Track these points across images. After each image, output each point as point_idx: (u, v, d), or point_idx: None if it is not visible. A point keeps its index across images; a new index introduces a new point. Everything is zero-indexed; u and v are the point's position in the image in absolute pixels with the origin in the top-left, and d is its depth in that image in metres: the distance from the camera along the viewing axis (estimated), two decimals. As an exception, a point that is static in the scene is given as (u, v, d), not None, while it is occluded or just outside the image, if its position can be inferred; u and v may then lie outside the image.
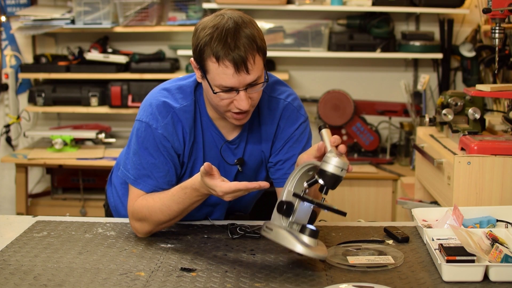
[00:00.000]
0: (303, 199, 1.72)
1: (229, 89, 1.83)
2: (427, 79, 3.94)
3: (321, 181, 1.68)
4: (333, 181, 1.68)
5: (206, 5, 4.10)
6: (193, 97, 1.97)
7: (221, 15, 1.83)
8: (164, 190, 1.95)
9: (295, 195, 1.73)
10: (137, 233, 1.97)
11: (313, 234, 1.68)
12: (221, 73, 1.80)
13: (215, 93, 1.84)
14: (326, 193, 1.71)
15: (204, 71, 1.85)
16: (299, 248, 1.65)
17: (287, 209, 1.72)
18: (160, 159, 1.95)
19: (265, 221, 1.76)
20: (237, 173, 2.05)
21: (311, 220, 1.76)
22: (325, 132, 1.77)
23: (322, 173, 1.68)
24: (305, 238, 1.67)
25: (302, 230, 1.69)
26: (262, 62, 1.85)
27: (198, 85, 1.99)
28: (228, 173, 2.04)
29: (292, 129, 2.02)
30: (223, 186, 1.75)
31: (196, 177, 1.83)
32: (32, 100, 4.19)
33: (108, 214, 2.32)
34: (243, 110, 1.85)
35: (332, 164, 1.67)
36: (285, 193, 1.76)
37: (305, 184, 1.72)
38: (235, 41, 1.78)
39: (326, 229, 2.03)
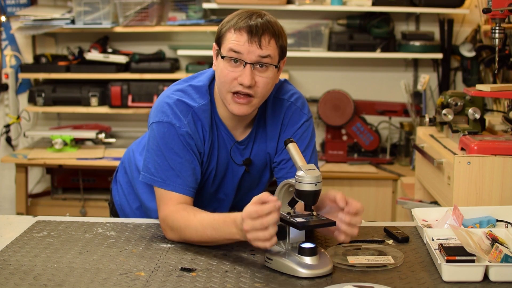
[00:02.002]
0: (288, 223, 1.72)
1: (237, 58, 1.85)
2: (427, 79, 3.94)
3: (301, 201, 1.71)
4: (312, 197, 1.70)
5: (206, 5, 4.10)
6: (209, 96, 1.98)
7: (252, 10, 1.92)
8: (193, 188, 1.95)
9: (282, 220, 1.73)
10: (166, 237, 1.94)
11: (312, 252, 1.69)
12: (234, 39, 1.86)
13: (223, 57, 1.87)
14: (310, 209, 1.73)
15: (219, 46, 1.90)
16: (302, 273, 1.66)
17: (280, 234, 1.72)
18: (186, 157, 1.94)
19: (265, 250, 1.76)
20: (244, 173, 2.06)
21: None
22: (292, 146, 1.78)
23: (299, 193, 1.70)
24: (306, 259, 1.68)
25: (300, 251, 1.69)
26: (277, 53, 1.89)
27: (210, 85, 2.01)
28: (236, 173, 2.05)
29: (295, 127, 2.04)
30: (248, 206, 1.67)
31: (239, 213, 1.73)
32: (32, 100, 4.19)
33: (113, 212, 2.32)
34: (244, 85, 1.85)
35: (306, 183, 1.68)
36: None
37: (289, 207, 1.76)
38: (258, 19, 1.86)
39: (326, 228, 2.02)
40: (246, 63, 1.85)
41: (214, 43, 1.95)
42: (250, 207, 1.66)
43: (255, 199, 1.67)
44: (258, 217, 1.64)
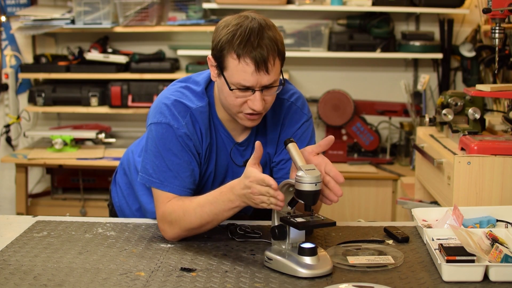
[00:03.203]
0: (288, 223, 1.72)
1: (245, 88, 1.83)
2: (427, 79, 3.94)
3: (300, 201, 1.71)
4: (311, 197, 1.70)
5: (206, 5, 4.10)
6: (207, 99, 1.98)
7: (245, 16, 1.85)
8: (190, 189, 1.95)
9: (282, 220, 1.74)
10: (166, 237, 1.94)
11: (312, 252, 1.69)
12: (241, 70, 1.81)
13: (231, 89, 1.84)
14: (309, 209, 1.73)
15: (221, 68, 1.86)
16: (302, 273, 1.66)
17: (280, 234, 1.73)
18: (184, 158, 1.93)
19: (265, 250, 1.76)
20: None
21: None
22: (292, 146, 1.78)
23: (299, 193, 1.70)
24: (306, 259, 1.68)
25: (300, 251, 1.70)
26: (280, 67, 1.87)
27: (208, 86, 2.00)
28: (236, 174, 2.04)
29: (295, 128, 2.04)
30: (257, 173, 1.73)
31: (236, 179, 1.80)
32: (32, 100, 4.19)
33: (112, 213, 2.32)
34: (256, 111, 1.86)
35: (306, 183, 1.69)
36: (275, 217, 1.77)
37: (289, 207, 1.76)
38: (258, 40, 1.80)
39: (326, 229, 2.03)
40: (255, 90, 1.84)
41: (211, 56, 1.91)
42: (259, 174, 1.71)
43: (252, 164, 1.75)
44: (266, 186, 1.69)
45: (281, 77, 1.90)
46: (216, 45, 1.86)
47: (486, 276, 1.63)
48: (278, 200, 1.69)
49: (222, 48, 1.84)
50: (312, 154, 1.82)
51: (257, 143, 1.78)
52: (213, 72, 1.92)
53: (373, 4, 4.10)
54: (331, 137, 1.84)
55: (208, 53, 1.97)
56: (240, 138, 2.03)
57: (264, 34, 1.81)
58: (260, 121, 1.94)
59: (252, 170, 1.74)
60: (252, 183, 1.72)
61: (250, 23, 1.82)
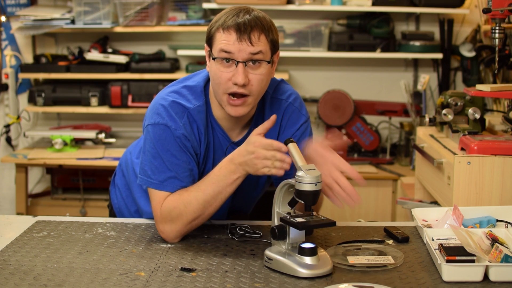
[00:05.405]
0: (288, 223, 1.73)
1: (228, 58, 1.84)
2: (427, 79, 3.94)
3: (300, 201, 1.72)
4: (312, 197, 1.71)
5: (206, 5, 4.10)
6: (204, 98, 1.97)
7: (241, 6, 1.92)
8: None
9: (282, 220, 1.74)
10: (166, 238, 1.92)
11: (312, 252, 1.69)
12: (224, 39, 1.85)
13: (214, 59, 1.86)
14: (309, 209, 1.73)
15: (210, 46, 1.90)
16: (302, 273, 1.67)
17: (280, 234, 1.74)
18: (183, 158, 1.93)
19: (265, 250, 1.76)
20: None
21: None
22: (292, 146, 1.78)
23: (299, 193, 1.71)
24: (306, 259, 1.68)
25: (300, 251, 1.70)
26: (268, 47, 1.88)
27: (206, 85, 2.00)
28: None
29: (294, 129, 2.03)
30: (262, 139, 1.77)
31: (234, 151, 1.85)
32: (32, 100, 4.19)
33: (112, 214, 2.32)
34: (239, 83, 1.84)
35: (306, 183, 1.69)
36: (275, 217, 1.77)
37: (289, 207, 1.77)
38: (246, 16, 1.85)
39: (326, 228, 2.03)
40: (238, 62, 1.85)
41: (205, 44, 1.94)
42: (265, 140, 1.77)
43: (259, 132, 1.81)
44: (274, 150, 1.75)
45: (269, 59, 1.89)
46: (209, 30, 1.92)
47: (486, 276, 1.63)
48: (284, 163, 1.73)
49: (211, 27, 1.90)
50: (323, 147, 1.86)
51: (274, 116, 1.83)
52: (207, 60, 1.94)
53: (373, 4, 4.10)
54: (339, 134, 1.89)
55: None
56: (237, 138, 2.02)
57: (253, 14, 1.87)
58: (245, 111, 1.91)
59: (257, 137, 1.78)
60: (257, 147, 1.76)
61: (241, 7, 1.89)
